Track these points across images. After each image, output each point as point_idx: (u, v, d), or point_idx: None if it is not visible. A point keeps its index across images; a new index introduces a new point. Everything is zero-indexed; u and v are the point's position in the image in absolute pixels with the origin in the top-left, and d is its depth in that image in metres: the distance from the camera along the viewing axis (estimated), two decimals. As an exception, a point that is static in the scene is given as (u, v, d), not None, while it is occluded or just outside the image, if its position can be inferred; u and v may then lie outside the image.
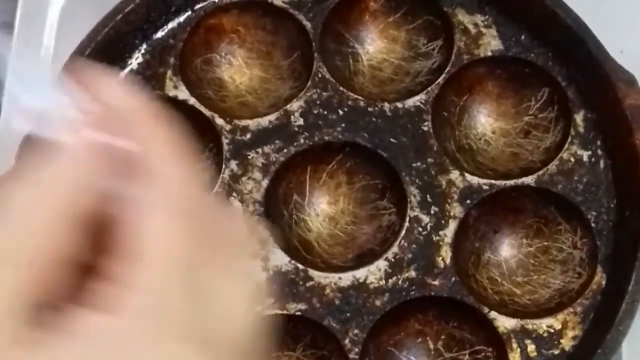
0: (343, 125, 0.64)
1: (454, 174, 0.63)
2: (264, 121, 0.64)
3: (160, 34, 0.66)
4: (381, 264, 0.61)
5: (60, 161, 0.32)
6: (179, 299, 0.32)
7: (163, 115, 0.35)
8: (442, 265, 0.61)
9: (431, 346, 0.61)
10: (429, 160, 0.63)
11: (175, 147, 0.34)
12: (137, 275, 0.31)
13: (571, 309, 0.60)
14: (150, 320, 0.31)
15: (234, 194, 0.62)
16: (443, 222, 0.62)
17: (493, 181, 0.63)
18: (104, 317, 0.31)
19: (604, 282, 0.61)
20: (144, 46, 0.66)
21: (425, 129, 0.64)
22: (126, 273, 0.31)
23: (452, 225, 0.62)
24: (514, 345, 0.60)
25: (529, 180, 0.63)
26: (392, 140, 0.64)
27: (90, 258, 0.33)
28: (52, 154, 0.32)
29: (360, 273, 0.61)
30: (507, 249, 0.64)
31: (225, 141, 0.63)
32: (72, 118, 0.33)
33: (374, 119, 0.64)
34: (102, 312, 0.31)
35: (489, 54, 0.66)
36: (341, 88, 0.65)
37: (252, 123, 0.64)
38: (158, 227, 0.32)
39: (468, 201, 0.62)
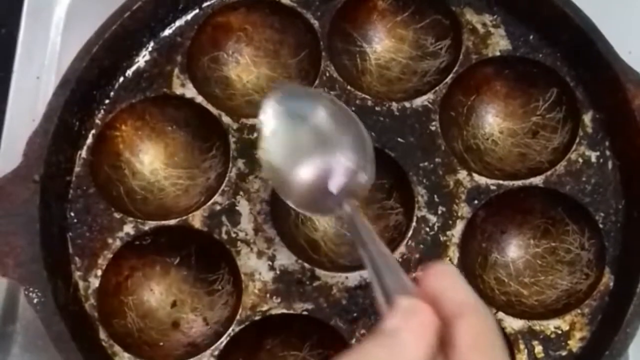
0: (350, 124, 0.63)
1: (462, 174, 0.63)
2: (271, 120, 0.64)
3: (167, 32, 0.66)
4: (388, 264, 0.60)
5: (401, 342, 0.38)
6: None
7: (488, 315, 0.41)
8: (449, 265, 0.61)
9: (438, 347, 0.61)
10: (437, 160, 0.63)
11: (488, 344, 0.39)
12: None
13: (579, 310, 0.60)
14: None
15: (241, 192, 0.62)
16: (450, 222, 0.62)
17: (501, 181, 0.63)
18: None
19: (611, 284, 0.61)
20: (152, 44, 0.65)
21: (433, 128, 0.64)
22: None
23: (460, 226, 0.62)
24: (521, 347, 0.59)
25: (537, 180, 0.63)
26: (399, 139, 0.63)
27: None
28: (389, 334, 0.39)
29: (368, 273, 0.60)
30: (515, 250, 0.64)
31: (232, 140, 0.63)
32: (411, 302, 0.40)
33: (381, 119, 0.64)
34: None
35: (497, 53, 0.66)
36: (349, 87, 0.65)
37: (259, 122, 0.63)
38: None
39: (475, 201, 0.62)
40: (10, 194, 0.58)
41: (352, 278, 0.60)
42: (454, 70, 0.65)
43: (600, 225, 0.62)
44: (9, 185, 0.59)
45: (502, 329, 0.59)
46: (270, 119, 0.55)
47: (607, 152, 0.64)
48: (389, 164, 0.63)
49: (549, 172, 0.63)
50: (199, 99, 0.64)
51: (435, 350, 0.39)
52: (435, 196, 0.62)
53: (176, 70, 0.65)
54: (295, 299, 0.60)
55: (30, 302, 0.56)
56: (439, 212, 0.62)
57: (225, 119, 0.64)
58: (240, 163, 0.63)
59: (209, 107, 0.64)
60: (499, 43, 0.66)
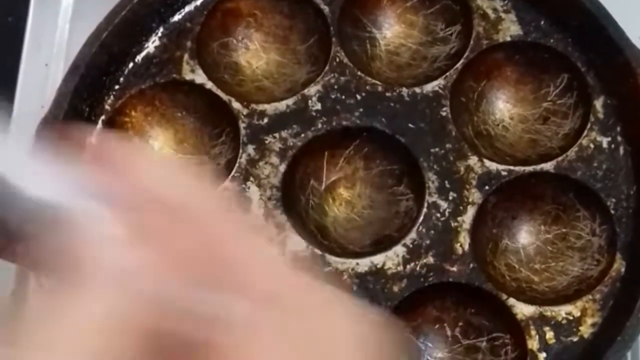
0: (361, 110, 0.63)
1: (473, 160, 0.63)
2: (282, 106, 0.63)
3: (177, 17, 0.66)
4: (399, 249, 0.60)
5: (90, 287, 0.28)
6: None
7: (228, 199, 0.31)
8: (460, 251, 0.61)
9: (449, 333, 0.61)
10: (447, 145, 0.63)
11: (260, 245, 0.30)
12: None
13: (590, 296, 0.60)
14: None
15: (251, 178, 0.62)
16: (461, 208, 0.62)
17: (511, 167, 0.62)
18: None
19: (623, 270, 0.60)
20: (161, 29, 0.65)
21: (444, 114, 0.64)
22: None
23: (471, 212, 0.62)
24: (532, 332, 0.59)
25: (548, 166, 0.62)
26: (410, 125, 0.63)
27: None
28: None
29: (378, 259, 0.60)
30: (525, 236, 0.63)
31: (242, 125, 0.63)
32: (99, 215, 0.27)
33: (392, 104, 0.63)
34: None
35: (508, 39, 0.65)
36: (359, 73, 0.64)
37: (269, 107, 0.63)
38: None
39: (486, 187, 0.62)
40: (21, 180, 0.58)
41: (363, 264, 0.60)
42: (465, 56, 0.65)
43: (612, 211, 0.62)
44: (19, 171, 0.58)
45: (514, 315, 0.59)
46: None
47: (619, 138, 0.63)
48: (399, 150, 0.63)
49: (560, 158, 0.62)
50: (209, 85, 0.64)
51: None
52: (446, 182, 0.62)
53: (186, 56, 0.65)
54: (305, 284, 0.60)
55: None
56: (450, 197, 0.62)
57: (235, 105, 0.63)
58: (250, 149, 0.63)
59: (219, 92, 0.64)
60: (510, 28, 0.66)
